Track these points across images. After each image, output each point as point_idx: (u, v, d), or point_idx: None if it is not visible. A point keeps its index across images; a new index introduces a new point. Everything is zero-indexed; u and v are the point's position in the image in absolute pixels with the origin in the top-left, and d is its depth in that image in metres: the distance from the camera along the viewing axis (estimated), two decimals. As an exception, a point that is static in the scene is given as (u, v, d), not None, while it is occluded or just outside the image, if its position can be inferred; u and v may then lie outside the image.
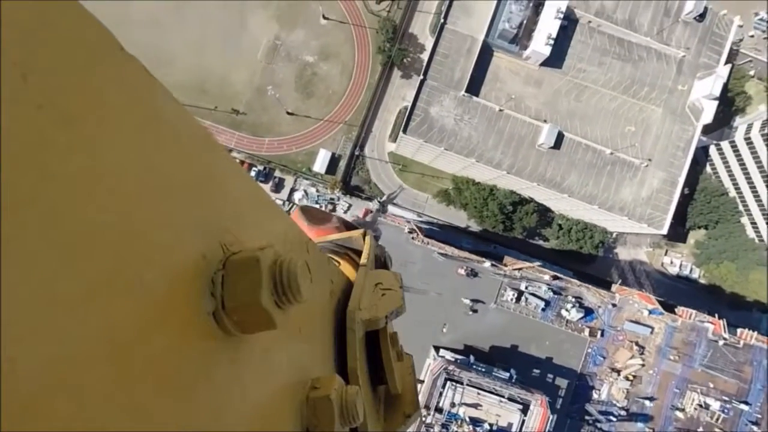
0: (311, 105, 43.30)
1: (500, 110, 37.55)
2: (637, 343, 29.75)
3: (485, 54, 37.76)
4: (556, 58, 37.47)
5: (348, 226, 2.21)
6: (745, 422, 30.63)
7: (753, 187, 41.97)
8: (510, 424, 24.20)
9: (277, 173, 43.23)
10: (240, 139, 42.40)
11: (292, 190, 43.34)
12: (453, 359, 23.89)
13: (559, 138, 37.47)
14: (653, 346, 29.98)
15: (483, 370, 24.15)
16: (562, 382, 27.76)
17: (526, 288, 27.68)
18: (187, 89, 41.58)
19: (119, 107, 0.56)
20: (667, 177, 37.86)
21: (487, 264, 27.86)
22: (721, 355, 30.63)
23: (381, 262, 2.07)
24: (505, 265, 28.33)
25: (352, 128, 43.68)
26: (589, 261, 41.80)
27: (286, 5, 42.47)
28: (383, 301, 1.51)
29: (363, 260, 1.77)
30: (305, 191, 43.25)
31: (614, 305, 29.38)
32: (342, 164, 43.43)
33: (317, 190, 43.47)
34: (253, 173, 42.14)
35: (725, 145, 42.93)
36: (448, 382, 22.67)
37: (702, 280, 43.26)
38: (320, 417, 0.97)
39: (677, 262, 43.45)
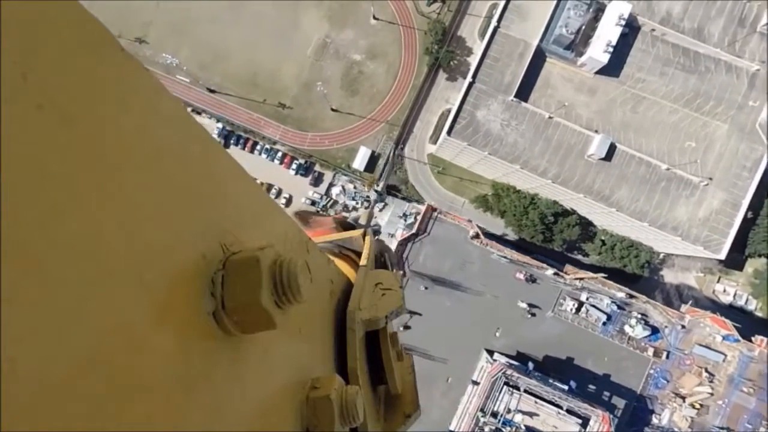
0: (355, 103, 43.20)
1: (549, 117, 35.77)
2: (706, 370, 26.87)
3: (538, 59, 36.14)
4: (613, 67, 35.27)
5: (346, 226, 2.10)
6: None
7: (826, 217, 37.64)
8: None
9: (317, 168, 43.41)
10: (285, 133, 42.93)
11: (331, 185, 43.35)
12: (509, 364, 22.62)
13: (611, 149, 35.18)
14: (724, 375, 26.91)
15: (539, 378, 22.66)
16: (620, 402, 25.57)
17: (587, 299, 25.80)
18: (240, 82, 42.64)
19: (119, 107, 0.55)
20: (729, 198, 34.61)
21: (550, 272, 26.35)
22: (804, 393, 26.89)
23: (381, 261, 1.96)
24: (567, 273, 26.66)
25: (393, 128, 43.17)
26: (632, 281, 38.92)
27: (338, 5, 42.67)
28: (383, 301, 1.45)
29: (363, 261, 1.71)
30: (343, 187, 43.14)
31: (683, 326, 26.79)
32: (381, 163, 42.99)
33: (355, 187, 43.24)
34: (294, 166, 42.57)
35: (796, 168, 38.82)
36: (505, 387, 21.43)
37: (759, 313, 39.22)
38: (320, 417, 0.94)
39: (731, 290, 39.65)
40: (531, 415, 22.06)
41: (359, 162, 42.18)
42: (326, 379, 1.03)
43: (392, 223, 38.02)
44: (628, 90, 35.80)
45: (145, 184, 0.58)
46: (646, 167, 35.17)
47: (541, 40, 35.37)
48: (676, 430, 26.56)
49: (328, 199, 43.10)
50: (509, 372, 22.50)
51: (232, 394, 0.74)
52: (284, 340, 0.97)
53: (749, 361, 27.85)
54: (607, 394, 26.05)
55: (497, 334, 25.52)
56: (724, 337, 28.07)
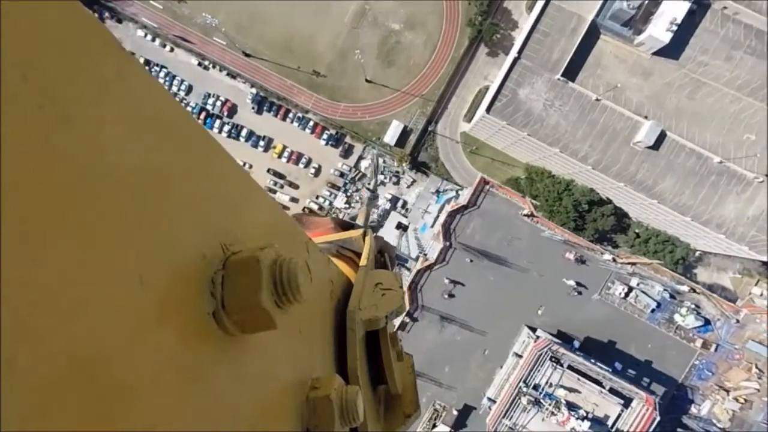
0: (390, 74, 41.53)
1: (597, 99, 33.39)
2: (756, 366, 25.81)
3: (591, 36, 33.35)
4: (673, 47, 32.23)
5: (345, 226, 2.09)
6: None
7: None
8: (606, 417, 22.34)
9: (348, 139, 42.56)
10: (317, 102, 41.97)
11: (360, 158, 42.59)
12: (554, 341, 22.47)
13: (660, 138, 32.75)
14: (774, 373, 25.76)
15: (584, 357, 22.47)
16: (659, 389, 25.05)
17: (638, 285, 24.81)
18: (275, 47, 41.44)
19: (119, 107, 0.56)
20: (784, 198, 32.03)
21: (607, 256, 25.41)
22: None
23: (381, 261, 2.00)
24: (619, 257, 25.65)
25: (428, 103, 41.50)
26: (663, 276, 37.27)
27: (379, -27, 40.29)
28: (383, 301, 1.48)
29: (363, 261, 1.72)
30: (372, 161, 42.31)
31: (737, 321, 25.60)
32: (412, 138, 41.72)
33: (384, 162, 42.33)
34: (325, 136, 41.86)
35: None
36: (548, 361, 21.40)
37: (796, 320, 37.13)
38: (320, 417, 0.96)
39: (769, 294, 37.48)
40: (572, 391, 21.89)
41: (390, 136, 41.06)
42: (326, 379, 1.02)
43: (424, 198, 37.18)
44: (687, 74, 32.82)
45: (145, 185, 0.59)
46: (696, 159, 32.70)
47: (597, 14, 32.48)
48: (714, 421, 25.91)
49: (357, 171, 42.48)
50: (554, 347, 22.22)
51: (231, 395, 0.73)
52: (284, 341, 0.96)
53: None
54: (646, 380, 25.46)
55: (539, 312, 25.02)
56: (781, 335, 26.47)
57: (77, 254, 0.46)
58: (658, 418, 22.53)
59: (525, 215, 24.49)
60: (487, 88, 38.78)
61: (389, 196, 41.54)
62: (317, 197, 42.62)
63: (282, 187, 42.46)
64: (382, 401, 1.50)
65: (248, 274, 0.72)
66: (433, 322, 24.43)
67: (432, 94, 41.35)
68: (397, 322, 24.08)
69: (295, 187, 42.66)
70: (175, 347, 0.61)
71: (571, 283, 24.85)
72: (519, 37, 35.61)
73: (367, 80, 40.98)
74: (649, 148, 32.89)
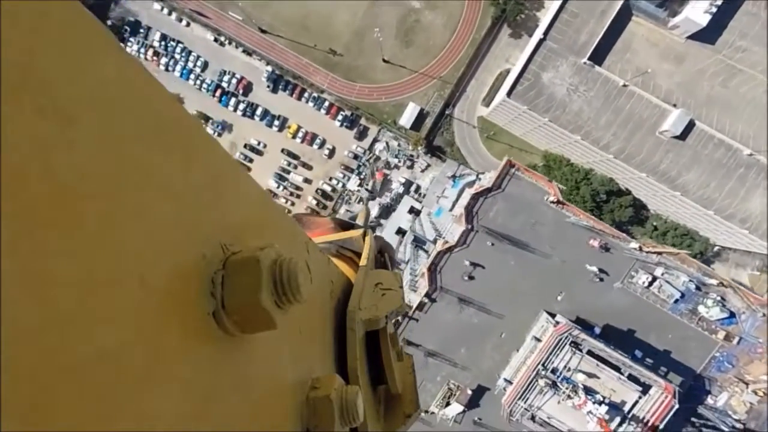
0: (408, 55, 40.31)
1: (624, 85, 31.98)
2: None
3: (622, 17, 31.67)
4: (710, 31, 30.47)
5: (345, 226, 2.06)
6: None
7: None
8: (623, 402, 22.53)
9: (363, 121, 41.84)
10: (333, 81, 41.12)
11: (375, 141, 41.95)
12: (575, 326, 22.55)
13: (688, 127, 31.41)
14: (797, 367, 25.38)
15: (605, 343, 22.56)
16: (676, 379, 24.98)
17: (662, 275, 24.46)
18: (292, 24, 40.34)
19: (120, 108, 0.56)
20: (815, 194, 30.73)
21: (633, 244, 24.95)
22: None
23: (381, 261, 2.02)
24: (645, 245, 25.25)
25: (446, 85, 40.34)
26: (678, 270, 36.52)
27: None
28: (383, 301, 1.49)
29: (363, 261, 1.74)
30: (387, 144, 41.67)
31: (763, 315, 25.18)
32: (428, 122, 40.82)
33: (399, 145, 41.68)
34: (340, 117, 41.19)
35: None
36: (567, 346, 21.57)
37: (814, 319, 36.27)
38: (320, 417, 0.97)
39: (788, 292, 36.50)
40: (591, 376, 22.04)
41: (406, 119, 40.23)
42: (326, 379, 1.02)
43: (439, 183, 36.61)
44: (722, 60, 31.11)
45: (146, 185, 0.59)
46: (725, 150, 31.37)
47: (631, -6, 30.77)
48: (730, 412, 25.87)
49: (371, 154, 41.93)
50: (575, 332, 22.26)
51: (231, 395, 0.74)
52: (284, 341, 0.95)
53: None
54: (663, 369, 25.38)
55: (559, 298, 24.86)
56: (812, 335, 25.79)
57: (77, 254, 0.46)
58: (677, 406, 22.48)
59: (552, 202, 23.93)
60: (508, 72, 37.45)
61: (403, 180, 41.05)
62: (330, 179, 42.34)
63: (295, 167, 42.22)
64: (382, 401, 1.48)
65: (248, 274, 0.72)
66: (452, 304, 24.46)
67: (450, 77, 40.15)
68: (414, 303, 24.04)
69: (309, 167, 42.36)
70: (175, 347, 0.61)
71: (593, 269, 24.49)
72: (545, 17, 34.03)
73: (384, 60, 39.88)
74: (676, 137, 31.61)
